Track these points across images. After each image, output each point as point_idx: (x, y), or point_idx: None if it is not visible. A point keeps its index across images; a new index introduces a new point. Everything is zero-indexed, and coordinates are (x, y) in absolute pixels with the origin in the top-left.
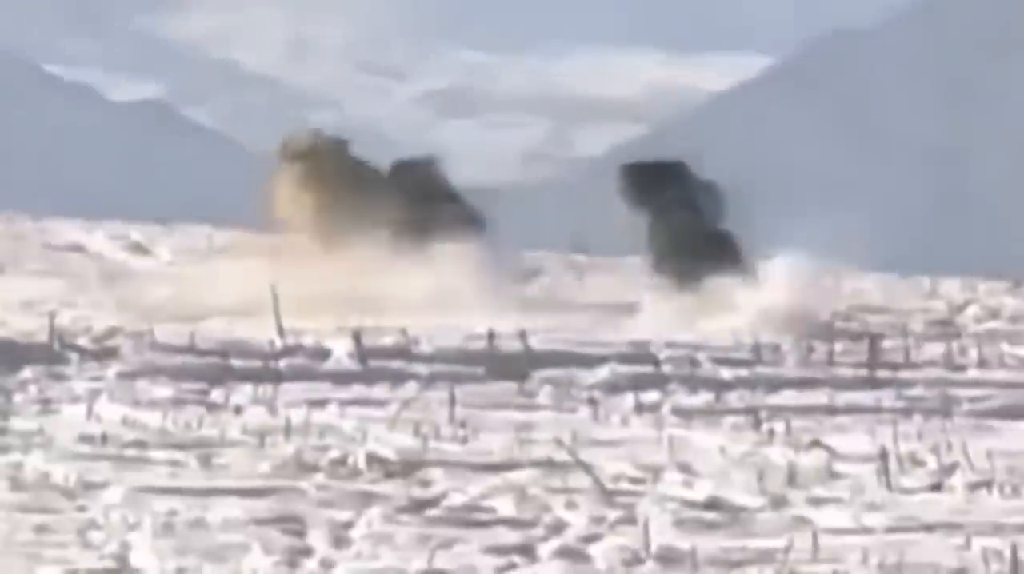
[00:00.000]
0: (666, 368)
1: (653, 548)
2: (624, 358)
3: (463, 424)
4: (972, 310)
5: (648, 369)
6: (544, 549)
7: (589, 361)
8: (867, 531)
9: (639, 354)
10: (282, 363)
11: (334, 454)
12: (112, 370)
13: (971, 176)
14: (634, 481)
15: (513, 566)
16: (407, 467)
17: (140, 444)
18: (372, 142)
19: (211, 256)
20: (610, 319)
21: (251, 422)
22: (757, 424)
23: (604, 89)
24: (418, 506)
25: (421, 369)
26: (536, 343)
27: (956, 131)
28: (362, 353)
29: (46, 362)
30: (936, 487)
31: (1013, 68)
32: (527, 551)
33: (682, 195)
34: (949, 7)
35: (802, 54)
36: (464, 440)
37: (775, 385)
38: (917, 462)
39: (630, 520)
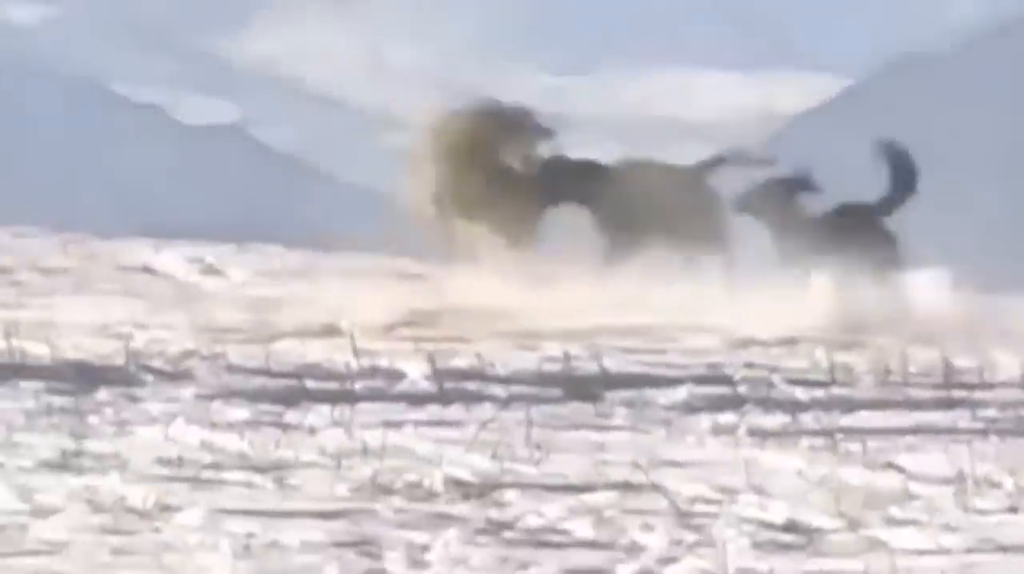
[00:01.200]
0: (742, 389)
1: (730, 570)
2: (700, 379)
3: (539, 446)
4: None
5: (724, 390)
6: (621, 571)
7: (665, 382)
8: (944, 552)
9: (715, 375)
10: (358, 385)
11: (410, 476)
12: (188, 392)
13: None
14: (710, 503)
15: None
16: (483, 489)
17: (216, 466)
18: None
19: (285, 277)
20: None
21: (327, 444)
22: (833, 445)
23: (678, 110)
24: (494, 528)
25: (497, 390)
26: (611, 364)
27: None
28: (438, 375)
29: (121, 384)
30: (1013, 509)
31: None
32: None
33: None
34: (1020, 26)
35: (876, 76)
36: (540, 462)
37: (851, 406)
38: (994, 483)
39: (707, 542)
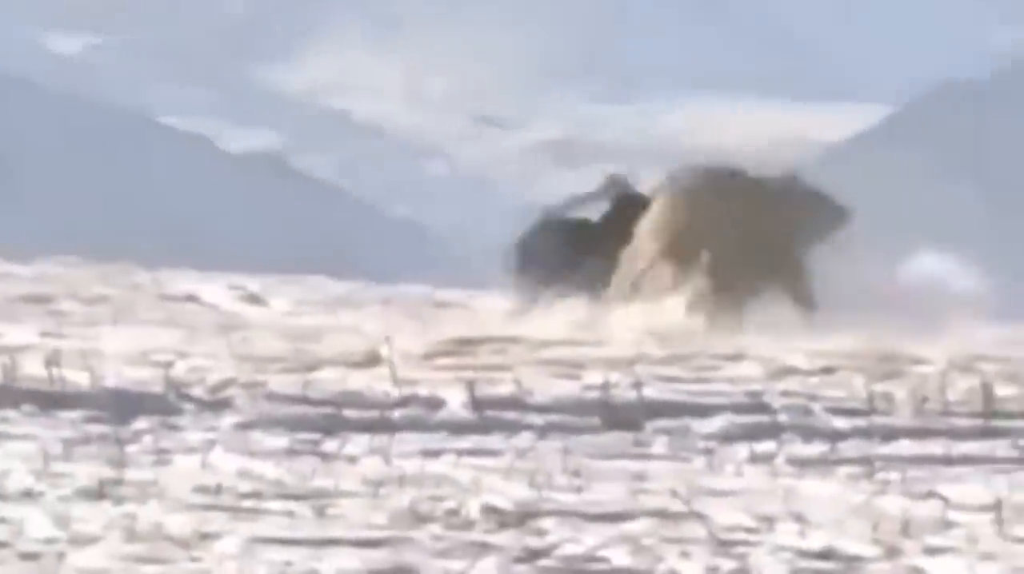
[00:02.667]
0: (781, 418)
1: None
2: (738, 408)
3: (577, 473)
4: None
5: (762, 418)
6: None
7: (703, 410)
8: None
9: (753, 403)
10: (396, 413)
11: (449, 504)
12: (227, 420)
13: None
14: (749, 531)
15: None
16: (521, 517)
17: (255, 495)
18: (482, 192)
19: (327, 307)
20: None
21: (366, 472)
22: (871, 474)
23: (718, 138)
24: (532, 556)
25: (535, 419)
26: (650, 393)
27: None
28: (476, 403)
29: (161, 413)
30: None
31: None
32: None
33: None
34: None
35: (917, 104)
36: (578, 490)
37: (889, 435)
38: None
39: (744, 570)
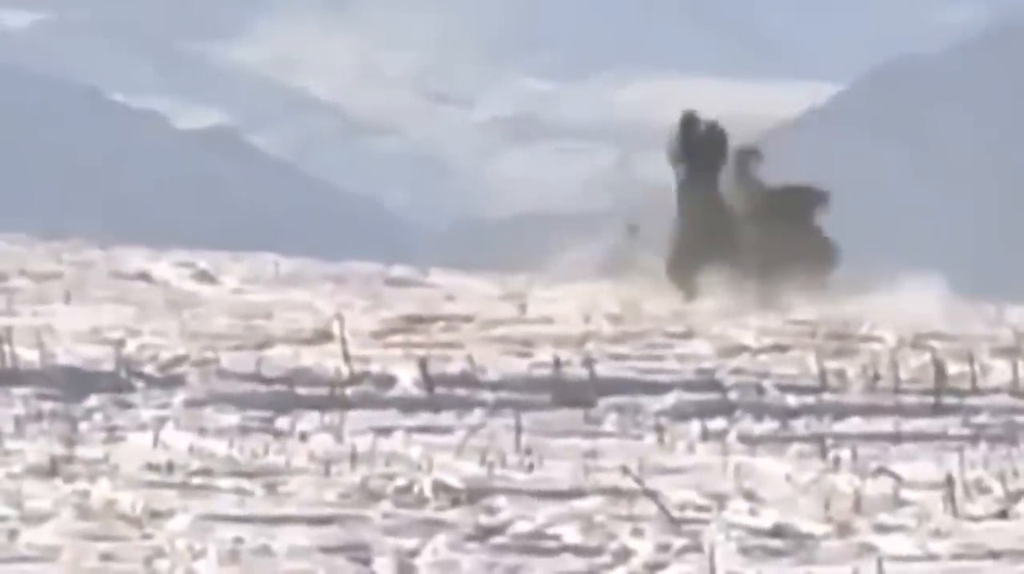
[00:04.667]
0: (732, 395)
1: None
2: (690, 385)
3: (529, 452)
4: None
5: (714, 396)
6: None
7: (655, 388)
8: (933, 558)
9: (705, 381)
10: (348, 391)
11: (400, 482)
12: (178, 398)
13: None
14: (700, 509)
15: None
16: (473, 495)
17: (206, 472)
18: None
19: (278, 284)
20: None
21: (317, 450)
22: (823, 451)
23: (670, 116)
24: (484, 533)
25: (487, 397)
26: (602, 370)
27: (1022, 155)
28: (428, 381)
29: (112, 390)
30: (1002, 514)
31: None
32: None
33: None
34: (1014, 32)
35: (868, 80)
36: (530, 468)
37: (841, 412)
38: (983, 489)
39: (696, 548)
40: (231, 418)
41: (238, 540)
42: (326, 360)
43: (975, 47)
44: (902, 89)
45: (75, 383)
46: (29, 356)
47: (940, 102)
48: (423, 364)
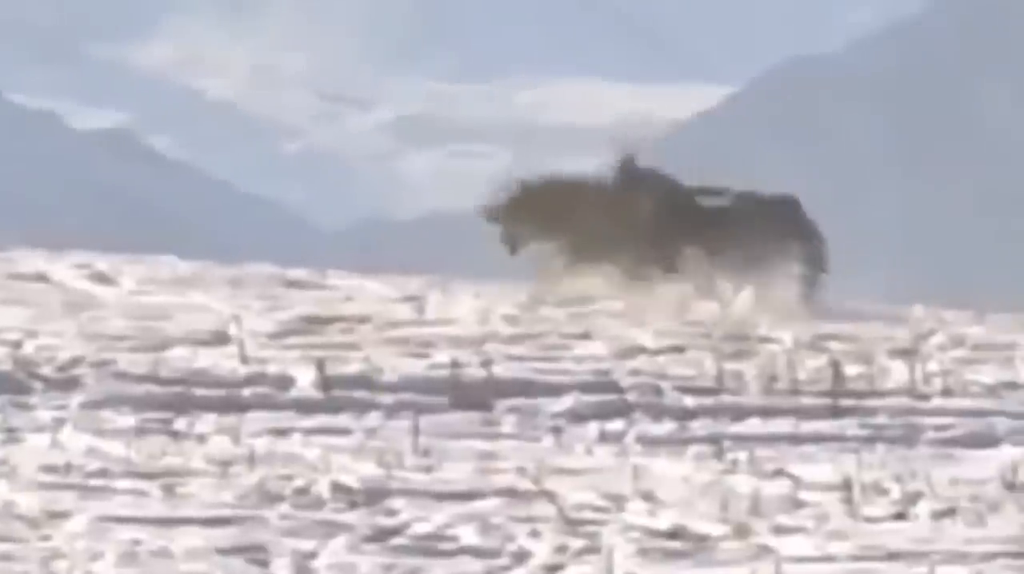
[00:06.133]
0: (630, 397)
1: None
2: (588, 387)
3: (427, 453)
4: (936, 339)
5: (612, 397)
6: None
7: (553, 389)
8: (831, 560)
9: (603, 382)
10: (245, 392)
11: (298, 483)
12: (76, 399)
13: (937, 200)
14: (598, 510)
15: None
16: (371, 496)
17: (104, 473)
18: (334, 170)
19: (176, 286)
20: None
21: (215, 451)
22: (721, 453)
23: (568, 118)
24: (382, 535)
25: (385, 398)
26: (500, 371)
27: (919, 153)
28: (326, 382)
29: (10, 391)
30: (900, 516)
31: (975, 87)
32: None
33: None
34: (911, 31)
35: (763, 80)
36: (428, 469)
37: (739, 414)
38: (881, 491)
39: (594, 549)
40: (128, 419)
41: (136, 541)
42: (223, 362)
43: (872, 46)
44: (799, 89)
45: None
46: None
47: (838, 102)
48: (321, 366)
